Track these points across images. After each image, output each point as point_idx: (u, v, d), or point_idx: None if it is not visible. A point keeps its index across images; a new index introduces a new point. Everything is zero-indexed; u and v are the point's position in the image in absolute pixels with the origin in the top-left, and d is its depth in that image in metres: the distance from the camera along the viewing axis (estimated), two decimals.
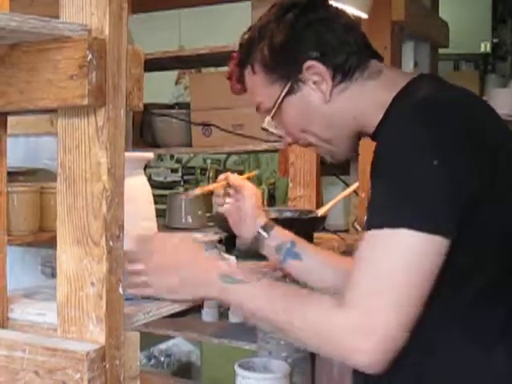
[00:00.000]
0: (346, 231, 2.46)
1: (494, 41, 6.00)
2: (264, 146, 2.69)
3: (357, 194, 2.36)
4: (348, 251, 2.13)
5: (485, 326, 1.24)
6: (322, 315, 1.20)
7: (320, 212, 2.06)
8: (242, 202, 1.70)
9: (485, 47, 5.93)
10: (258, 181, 6.23)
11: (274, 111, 1.46)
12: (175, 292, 1.35)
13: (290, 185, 2.55)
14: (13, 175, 2.18)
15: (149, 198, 1.49)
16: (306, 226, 2.00)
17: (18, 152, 2.46)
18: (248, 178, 1.81)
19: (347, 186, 2.46)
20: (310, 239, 2.00)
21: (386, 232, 1.15)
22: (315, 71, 1.40)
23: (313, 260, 1.66)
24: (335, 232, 2.19)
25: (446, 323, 1.24)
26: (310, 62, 1.39)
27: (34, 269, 2.26)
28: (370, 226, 1.20)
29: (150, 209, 1.50)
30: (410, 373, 1.24)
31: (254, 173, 2.00)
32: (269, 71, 1.44)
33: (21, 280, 2.07)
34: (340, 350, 1.17)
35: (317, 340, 1.21)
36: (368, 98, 1.40)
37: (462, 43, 5.22)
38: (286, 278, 1.84)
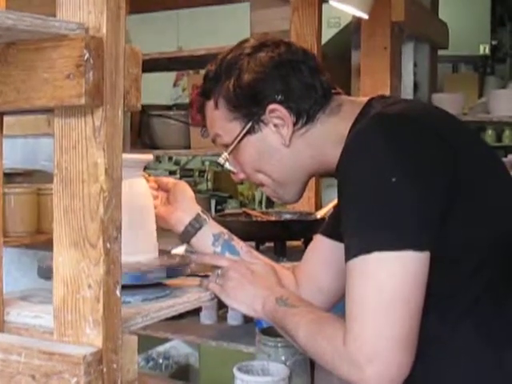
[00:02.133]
0: None
1: (493, 43, 6.01)
2: None
3: None
4: None
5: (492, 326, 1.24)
6: (328, 347, 1.22)
7: (319, 214, 2.05)
8: (173, 194, 1.60)
9: (484, 49, 5.93)
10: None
11: (231, 148, 1.46)
12: (231, 295, 1.47)
13: None
14: (10, 176, 2.18)
15: (148, 199, 1.48)
16: (305, 228, 1.99)
17: (16, 153, 2.45)
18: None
19: None
20: (308, 241, 1.98)
21: (362, 258, 1.16)
22: (278, 115, 1.40)
23: (248, 258, 1.62)
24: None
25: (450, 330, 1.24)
26: (273, 106, 1.39)
27: (30, 270, 2.25)
28: (347, 255, 1.20)
29: (150, 211, 1.48)
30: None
31: None
32: (231, 108, 1.43)
33: (17, 282, 2.06)
34: (348, 378, 1.18)
35: (328, 367, 1.25)
36: (329, 136, 1.41)
37: (461, 45, 5.22)
38: None
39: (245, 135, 1.43)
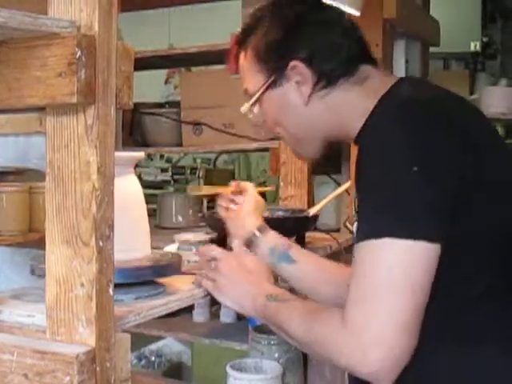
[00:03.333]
0: (338, 230, 2.46)
1: (484, 40, 6.02)
2: (254, 145, 2.68)
3: (348, 194, 2.35)
4: (339, 251, 2.12)
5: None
6: (330, 335, 1.21)
7: (312, 211, 2.05)
8: (241, 204, 1.71)
9: (475, 46, 5.95)
10: (248, 180, 6.22)
11: (254, 99, 1.49)
12: (222, 291, 1.47)
13: (282, 184, 2.54)
14: (2, 175, 2.17)
15: (140, 197, 1.48)
16: (297, 226, 1.99)
17: (7, 152, 2.44)
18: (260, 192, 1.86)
19: (339, 185, 2.45)
20: (301, 239, 1.99)
21: (372, 243, 1.17)
22: (299, 72, 1.41)
23: (307, 266, 1.63)
24: (327, 231, 2.17)
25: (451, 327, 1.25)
26: (296, 63, 1.40)
27: (23, 269, 2.24)
28: (357, 238, 1.22)
29: (142, 209, 1.48)
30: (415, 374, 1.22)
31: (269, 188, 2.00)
32: (258, 61, 1.47)
33: (10, 281, 2.06)
34: (349, 365, 1.18)
35: (327, 356, 1.24)
36: (349, 106, 1.41)
37: (452, 42, 5.23)
38: (278, 277, 1.83)
39: (267, 88, 1.46)
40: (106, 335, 1.07)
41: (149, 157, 6.09)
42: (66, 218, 1.06)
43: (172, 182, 6.49)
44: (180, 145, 2.91)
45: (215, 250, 1.54)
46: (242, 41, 1.53)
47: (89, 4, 1.02)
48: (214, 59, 3.05)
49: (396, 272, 1.14)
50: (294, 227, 1.98)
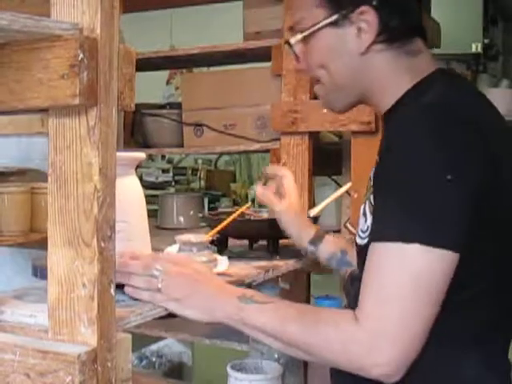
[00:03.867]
0: (338, 231, 2.46)
1: (485, 41, 6.01)
2: (256, 146, 2.68)
3: (349, 195, 2.35)
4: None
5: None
6: (339, 335, 1.21)
7: (312, 212, 2.05)
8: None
9: (476, 48, 5.94)
10: (249, 181, 6.23)
11: (307, 33, 1.40)
12: (187, 305, 1.31)
13: None
14: (3, 175, 2.17)
15: (141, 198, 1.49)
16: None
17: (10, 152, 2.44)
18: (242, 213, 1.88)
19: (339, 186, 2.45)
20: None
21: (399, 246, 1.16)
22: (366, 19, 1.34)
23: None
24: (327, 232, 2.18)
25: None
26: (366, 8, 1.33)
27: (25, 269, 2.25)
28: (381, 237, 1.20)
29: (142, 209, 1.49)
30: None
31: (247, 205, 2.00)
32: None
33: (12, 281, 2.06)
34: (358, 365, 1.19)
35: (336, 358, 1.22)
36: (393, 74, 1.37)
37: (454, 43, 5.22)
38: (279, 278, 1.83)
39: (326, 26, 1.37)
40: (108, 335, 1.08)
41: (150, 157, 6.10)
42: (67, 219, 1.06)
43: (173, 182, 6.50)
44: (181, 146, 2.91)
45: (156, 263, 1.33)
46: None
47: (91, 6, 1.03)
48: (216, 60, 3.06)
49: (423, 279, 1.16)
50: None
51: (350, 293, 1.41)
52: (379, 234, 1.21)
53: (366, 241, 1.31)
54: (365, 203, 1.37)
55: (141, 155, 1.50)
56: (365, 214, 1.35)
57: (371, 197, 1.30)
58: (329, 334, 1.21)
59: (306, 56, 1.44)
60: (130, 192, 1.44)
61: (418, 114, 1.25)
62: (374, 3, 1.33)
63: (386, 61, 1.37)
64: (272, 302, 1.31)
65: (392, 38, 1.35)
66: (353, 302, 1.29)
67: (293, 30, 1.45)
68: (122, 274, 1.29)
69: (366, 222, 1.33)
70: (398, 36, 1.36)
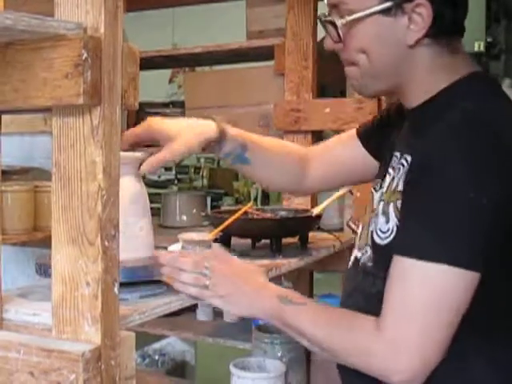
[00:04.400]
0: (341, 230, 2.46)
1: (488, 40, 6.00)
2: None
3: (351, 193, 2.35)
4: (342, 251, 2.13)
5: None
6: (363, 341, 1.26)
7: (315, 211, 2.05)
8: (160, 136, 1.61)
9: (479, 46, 5.93)
10: (251, 180, 6.22)
11: (356, 16, 1.34)
12: (231, 301, 1.38)
13: None
14: (7, 174, 2.18)
15: (144, 197, 1.49)
16: (300, 226, 1.99)
17: (13, 151, 2.45)
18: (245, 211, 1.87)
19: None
20: (304, 238, 1.99)
21: (425, 264, 1.19)
22: (421, 12, 1.30)
23: (260, 161, 1.70)
24: (330, 231, 2.18)
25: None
26: (422, 1, 1.29)
27: (28, 268, 2.25)
28: (408, 253, 1.22)
29: (146, 208, 1.49)
30: None
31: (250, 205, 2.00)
32: None
33: (15, 279, 2.07)
34: (382, 372, 1.24)
35: (360, 363, 1.27)
36: (432, 71, 1.35)
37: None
38: (282, 277, 1.84)
39: (377, 12, 1.32)
40: (111, 333, 1.08)
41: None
42: (71, 218, 1.07)
43: (176, 181, 6.50)
44: None
45: (207, 260, 1.38)
46: None
47: (95, 6, 1.03)
48: (219, 59, 3.06)
49: (446, 297, 1.19)
50: (297, 227, 1.98)
51: (358, 286, 1.44)
52: (406, 249, 1.23)
53: (386, 241, 1.34)
54: (385, 203, 1.37)
55: (144, 154, 1.50)
56: (385, 214, 1.35)
57: (398, 202, 1.31)
58: (353, 341, 1.27)
59: (347, 37, 1.38)
60: (133, 191, 1.45)
61: (450, 132, 1.23)
62: None
63: (429, 56, 1.34)
64: (305, 304, 1.36)
65: (441, 33, 1.33)
66: (363, 297, 1.38)
67: (337, 8, 1.39)
68: (173, 270, 1.36)
69: (387, 224, 1.34)
70: (447, 32, 1.34)
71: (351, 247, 2.26)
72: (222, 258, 1.42)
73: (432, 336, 1.20)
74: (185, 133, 1.57)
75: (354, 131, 1.73)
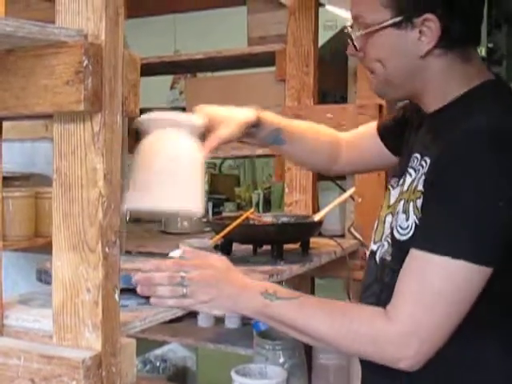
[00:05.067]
0: (342, 236, 2.46)
1: (489, 45, 6.00)
2: (260, 151, 2.68)
3: (353, 199, 2.35)
4: (343, 257, 2.13)
5: None
6: (367, 327, 1.31)
7: (316, 217, 2.05)
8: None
9: (480, 52, 5.93)
10: (253, 185, 6.23)
11: (369, 30, 1.43)
12: (214, 305, 1.37)
13: (286, 190, 2.54)
14: (8, 180, 2.18)
15: (197, 159, 1.49)
16: (302, 231, 1.99)
17: (14, 157, 2.45)
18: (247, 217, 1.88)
19: (343, 190, 2.45)
20: (306, 244, 1.99)
21: (446, 260, 1.25)
22: (429, 25, 1.37)
23: (295, 142, 1.81)
24: (331, 237, 2.18)
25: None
26: (430, 16, 1.36)
27: (29, 274, 2.25)
28: (431, 248, 1.28)
29: (197, 169, 1.48)
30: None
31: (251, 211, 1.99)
32: None
33: (16, 286, 2.07)
34: (387, 357, 1.31)
35: (369, 352, 1.33)
36: (446, 80, 1.42)
37: None
38: (282, 283, 1.84)
39: (389, 26, 1.40)
40: (112, 340, 1.08)
41: None
42: (72, 225, 1.07)
43: None
44: None
45: (183, 269, 1.37)
46: None
47: (96, 13, 1.03)
48: (220, 65, 3.06)
49: (463, 292, 1.27)
50: (299, 233, 1.98)
51: (376, 278, 1.49)
52: (429, 244, 1.29)
53: (405, 238, 1.39)
54: (406, 201, 1.42)
55: (201, 123, 1.56)
56: (406, 212, 1.40)
57: (418, 201, 1.36)
58: (359, 330, 1.31)
59: (365, 47, 1.47)
60: (188, 151, 1.47)
61: (467, 138, 1.29)
62: (439, 10, 1.36)
63: (441, 66, 1.41)
64: (298, 298, 1.39)
65: (452, 44, 1.39)
66: (381, 289, 1.45)
67: (357, 20, 1.47)
68: (148, 288, 1.36)
69: (407, 221, 1.39)
70: (458, 43, 1.40)
71: (352, 253, 2.27)
72: (200, 263, 1.41)
73: (443, 325, 1.27)
74: (228, 120, 1.68)
75: (374, 124, 1.83)
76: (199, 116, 1.62)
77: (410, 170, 1.45)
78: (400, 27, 1.39)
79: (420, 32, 1.38)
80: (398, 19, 1.39)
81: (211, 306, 1.37)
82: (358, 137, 1.89)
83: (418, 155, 1.43)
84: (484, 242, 1.26)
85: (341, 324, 1.32)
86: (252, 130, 1.73)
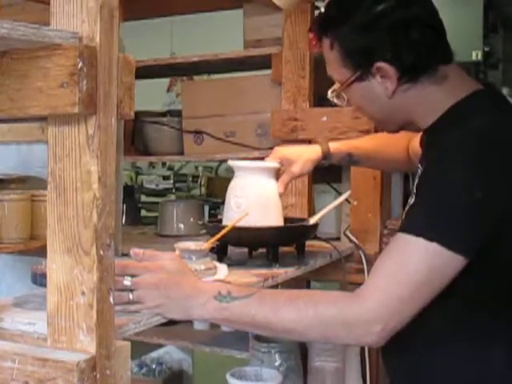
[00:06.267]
0: (338, 239, 2.46)
1: (486, 49, 6.01)
2: (256, 154, 2.68)
3: (349, 202, 2.35)
4: (339, 260, 2.13)
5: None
6: (333, 308, 1.35)
7: (312, 220, 2.05)
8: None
9: (476, 56, 5.93)
10: None
11: (339, 89, 1.63)
12: (164, 311, 1.33)
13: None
14: (3, 183, 2.18)
15: (277, 199, 1.94)
16: (297, 234, 1.99)
17: (9, 159, 2.45)
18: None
19: (339, 193, 2.45)
20: (301, 247, 1.99)
21: (420, 241, 1.31)
22: (384, 73, 1.49)
23: (368, 160, 2.05)
24: (327, 240, 2.18)
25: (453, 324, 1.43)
26: (381, 64, 1.49)
27: (25, 277, 2.25)
28: (407, 229, 1.36)
29: (278, 207, 1.93)
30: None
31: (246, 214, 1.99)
32: (344, 57, 1.55)
33: (11, 288, 2.07)
34: (353, 335, 1.34)
35: (330, 331, 1.36)
36: (427, 102, 1.51)
37: (454, 52, 5.23)
38: (278, 286, 1.84)
39: (353, 81, 1.56)
40: (107, 343, 1.08)
41: (151, 165, 6.10)
42: (67, 227, 1.07)
43: (174, 189, 6.49)
44: (181, 153, 2.92)
45: (134, 267, 1.35)
46: (326, 27, 1.58)
47: (91, 15, 1.03)
48: (216, 68, 3.06)
49: (436, 276, 1.33)
50: (295, 236, 1.98)
51: None
52: (407, 227, 1.36)
53: None
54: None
55: (276, 165, 1.97)
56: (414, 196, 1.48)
57: (411, 201, 1.45)
58: (325, 313, 1.34)
59: (348, 98, 1.66)
60: (271, 194, 1.92)
61: (462, 138, 1.37)
62: (387, 57, 1.47)
63: (414, 96, 1.52)
64: (255, 293, 1.37)
65: (415, 76, 1.49)
66: None
67: (333, 79, 1.65)
68: None
69: None
70: (420, 72, 1.49)
71: (348, 256, 2.27)
72: (149, 265, 1.36)
73: (411, 304, 1.32)
74: (299, 159, 1.99)
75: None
76: (275, 160, 1.98)
77: (416, 179, 1.54)
78: (362, 79, 1.54)
79: (381, 77, 1.50)
80: (357, 74, 1.54)
81: (161, 311, 1.33)
82: (415, 139, 1.92)
83: (419, 165, 1.54)
84: (458, 229, 1.32)
85: (305, 311, 1.34)
86: (323, 163, 2.00)
